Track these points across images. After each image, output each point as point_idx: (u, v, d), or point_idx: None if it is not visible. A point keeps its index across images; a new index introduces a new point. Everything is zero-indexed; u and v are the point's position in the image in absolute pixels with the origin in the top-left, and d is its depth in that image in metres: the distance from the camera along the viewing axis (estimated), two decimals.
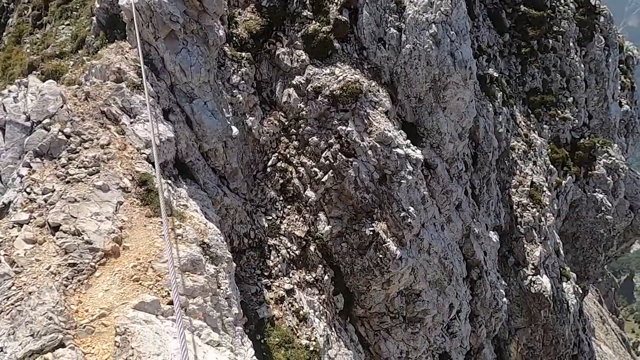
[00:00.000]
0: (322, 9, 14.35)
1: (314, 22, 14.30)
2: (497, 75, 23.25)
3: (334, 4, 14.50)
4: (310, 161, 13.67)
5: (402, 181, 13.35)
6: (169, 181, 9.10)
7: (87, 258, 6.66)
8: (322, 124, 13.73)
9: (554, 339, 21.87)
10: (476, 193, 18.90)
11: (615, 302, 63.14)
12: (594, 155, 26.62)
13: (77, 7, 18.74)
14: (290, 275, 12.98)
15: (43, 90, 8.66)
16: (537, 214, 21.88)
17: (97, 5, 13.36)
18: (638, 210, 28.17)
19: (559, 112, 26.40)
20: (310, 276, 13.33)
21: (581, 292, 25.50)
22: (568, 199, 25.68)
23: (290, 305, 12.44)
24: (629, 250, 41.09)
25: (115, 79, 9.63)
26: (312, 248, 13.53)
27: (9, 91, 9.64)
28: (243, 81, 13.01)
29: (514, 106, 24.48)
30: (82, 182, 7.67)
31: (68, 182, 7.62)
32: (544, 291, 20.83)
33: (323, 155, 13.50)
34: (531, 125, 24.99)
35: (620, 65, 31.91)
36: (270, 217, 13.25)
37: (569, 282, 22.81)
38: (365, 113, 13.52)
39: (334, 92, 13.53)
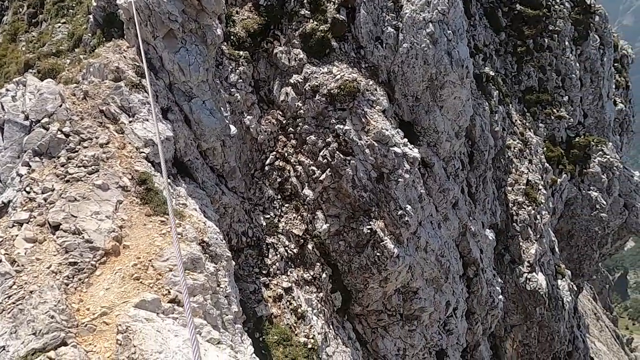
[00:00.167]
0: (319, 7, 14.38)
1: (311, 20, 14.33)
2: (493, 74, 23.36)
3: (332, 2, 14.53)
4: (308, 160, 13.72)
5: (400, 180, 13.43)
6: (168, 179, 9.11)
7: (88, 257, 6.68)
8: (319, 122, 13.77)
9: (549, 336, 22.08)
10: (472, 191, 19.02)
11: (610, 299, 63.68)
12: (588, 154, 26.84)
13: (73, 5, 18.67)
14: (289, 273, 13.04)
15: (42, 89, 8.65)
16: (533, 212, 22.05)
17: (94, 4, 13.34)
18: (632, 208, 28.44)
19: (554, 110, 26.59)
20: (308, 274, 13.40)
21: (576, 289, 25.74)
22: (563, 197, 25.89)
23: (288, 303, 12.50)
24: (623, 248, 41.46)
25: (114, 78, 9.64)
26: (310, 246, 13.59)
27: (7, 90, 9.62)
28: (241, 80, 13.04)
29: (510, 105, 24.63)
30: (82, 181, 7.68)
31: (67, 181, 7.63)
32: (539, 288, 21.01)
33: (321, 154, 13.55)
34: (527, 124, 25.15)
35: (615, 64, 32.16)
36: (269, 216, 13.30)
37: (564, 279, 23.02)
38: (363, 112, 13.58)
39: (332, 91, 13.58)
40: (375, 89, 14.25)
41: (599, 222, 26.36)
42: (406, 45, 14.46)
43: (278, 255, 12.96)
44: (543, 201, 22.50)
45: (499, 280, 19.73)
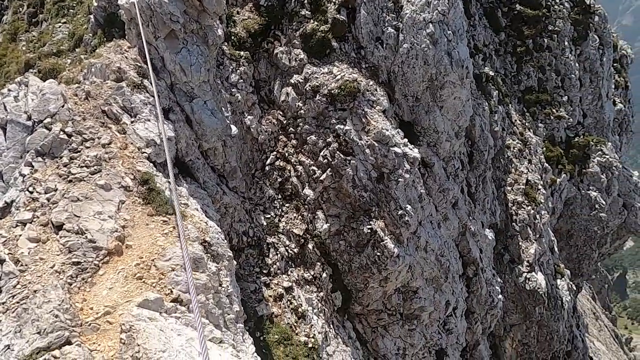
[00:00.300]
0: (320, 8, 14.42)
1: (312, 21, 14.37)
2: (492, 74, 23.42)
3: (332, 3, 14.57)
4: (309, 160, 13.76)
5: (400, 180, 13.48)
6: (170, 180, 9.15)
7: (91, 257, 6.73)
8: (320, 122, 13.82)
9: (548, 335, 22.16)
10: (472, 191, 19.09)
11: (609, 298, 63.82)
12: (588, 154, 26.92)
13: (74, 5, 18.69)
14: (289, 273, 13.09)
15: (44, 89, 8.69)
16: (532, 211, 22.11)
17: (95, 4, 13.37)
18: (631, 208, 28.53)
19: (553, 110, 26.67)
20: (308, 274, 13.45)
21: (575, 289, 25.82)
22: (562, 197, 25.97)
23: (289, 302, 12.55)
24: (622, 248, 41.57)
25: (116, 79, 9.67)
26: (310, 246, 13.64)
27: (9, 90, 9.65)
28: (242, 80, 13.08)
29: (510, 105, 24.69)
30: (84, 181, 7.72)
31: (70, 181, 7.67)
32: (538, 288, 21.08)
33: (321, 154, 13.60)
34: (526, 124, 25.22)
35: (615, 64, 32.24)
36: (269, 216, 13.35)
37: (563, 279, 23.10)
38: (363, 112, 13.63)
39: (332, 91, 13.62)
40: (376, 89, 14.30)
41: (598, 222, 26.45)
42: (406, 46, 14.50)
43: (279, 255, 13.01)
44: (542, 201, 22.57)
45: (499, 279, 19.80)
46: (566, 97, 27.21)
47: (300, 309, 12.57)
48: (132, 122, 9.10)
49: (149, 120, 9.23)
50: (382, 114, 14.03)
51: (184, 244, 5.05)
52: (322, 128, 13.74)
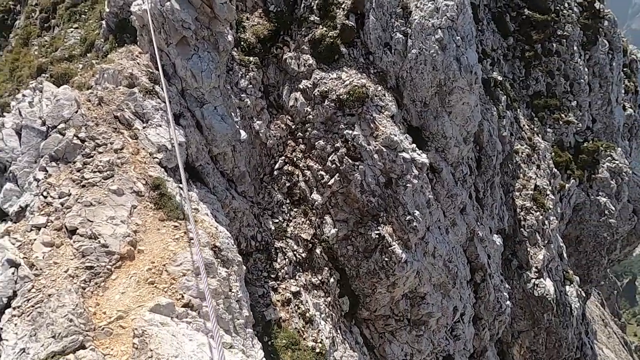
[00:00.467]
0: (329, 14, 14.51)
1: (321, 27, 14.45)
2: (501, 78, 23.36)
3: (341, 9, 14.65)
4: (317, 165, 13.81)
5: (408, 185, 13.48)
6: (180, 185, 9.24)
7: (104, 261, 6.81)
8: (328, 127, 13.87)
9: (556, 342, 21.95)
10: (480, 196, 19.02)
11: (618, 305, 63.06)
12: (597, 159, 26.71)
13: (86, 10, 18.94)
14: (297, 277, 13.12)
15: (58, 95, 8.83)
16: (541, 217, 21.98)
17: (107, 10, 13.54)
18: None
19: (562, 115, 26.51)
20: (316, 279, 13.47)
21: (584, 295, 25.58)
22: (571, 203, 25.77)
23: (296, 307, 12.58)
24: (631, 254, 41.13)
25: (128, 84, 9.80)
26: (318, 251, 13.67)
27: (24, 96, 9.82)
28: (251, 85, 13.18)
29: (518, 109, 24.60)
30: (97, 186, 7.83)
31: (83, 186, 7.78)
32: (547, 294, 20.92)
33: (329, 158, 13.64)
34: (535, 129, 25.10)
35: (624, 69, 32.00)
36: (277, 220, 13.40)
37: (572, 285, 22.90)
38: (372, 117, 13.67)
39: (341, 97, 13.68)
40: (384, 95, 14.34)
41: (608, 228, 26.20)
42: (415, 51, 14.53)
43: (287, 260, 13.05)
44: (551, 206, 22.43)
45: (507, 285, 19.68)
46: (575, 102, 27.05)
47: (307, 314, 12.59)
48: (143, 127, 9.21)
49: (160, 126, 9.33)
50: (391, 119, 14.05)
51: (198, 250, 5.11)
52: (330, 133, 13.79)
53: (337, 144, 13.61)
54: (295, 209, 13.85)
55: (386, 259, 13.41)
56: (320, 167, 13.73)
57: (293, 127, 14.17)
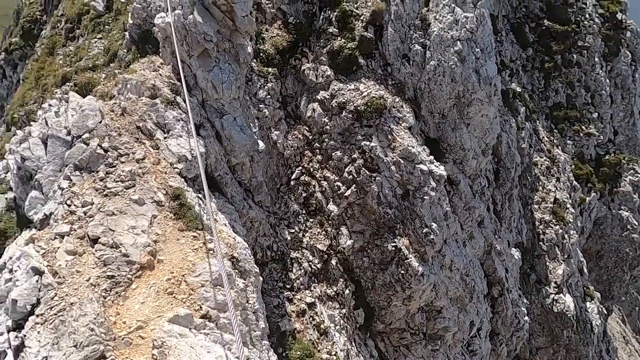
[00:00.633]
0: (347, 25, 14.59)
1: (339, 38, 14.53)
2: (520, 90, 23.12)
3: (360, 20, 14.72)
4: (334, 175, 13.81)
5: (425, 197, 13.37)
6: (199, 195, 9.34)
7: (124, 270, 6.90)
8: (345, 139, 13.88)
9: None
10: (498, 209, 18.75)
11: (639, 322, 61.12)
12: (619, 172, 26.12)
13: (109, 21, 19.41)
14: (312, 288, 13.07)
15: (83, 105, 9.03)
16: (560, 231, 21.54)
17: (131, 21, 13.85)
18: None
19: (583, 127, 26.06)
20: (331, 290, 13.40)
21: (605, 312, 24.88)
22: (592, 217, 25.20)
23: (311, 318, 12.51)
24: None
25: (150, 95, 9.98)
26: (333, 262, 13.61)
27: (50, 105, 10.07)
28: (269, 96, 13.29)
29: (537, 121, 24.27)
30: (119, 195, 7.95)
31: (106, 195, 7.92)
32: (567, 310, 20.42)
33: (346, 169, 13.63)
34: (554, 141, 24.70)
35: None
36: (293, 230, 13.41)
37: (593, 301, 22.31)
38: (389, 129, 13.64)
39: (358, 108, 13.70)
40: (402, 106, 14.31)
41: (630, 243, 25.52)
42: (433, 63, 14.50)
43: (302, 270, 13.02)
44: (571, 220, 21.97)
45: (525, 301, 19.27)
46: (596, 113, 26.57)
47: (322, 326, 12.51)
48: (165, 137, 9.35)
49: (181, 136, 9.46)
50: (408, 131, 14.00)
51: (221, 262, 5.13)
52: (347, 144, 13.80)
53: (354, 155, 13.60)
54: (311, 220, 13.84)
55: (402, 272, 13.28)
56: (336, 178, 13.73)
57: (310, 137, 14.22)
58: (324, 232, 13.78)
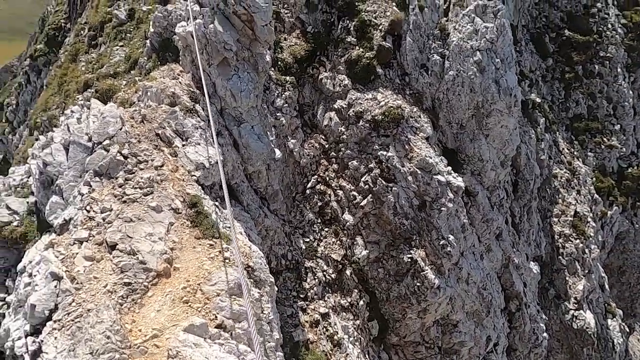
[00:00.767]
0: (366, 35, 14.57)
1: (357, 47, 14.52)
2: (539, 100, 22.79)
3: (378, 30, 14.70)
4: (349, 185, 13.72)
5: (443, 209, 13.18)
6: (216, 203, 9.35)
7: (141, 278, 6.90)
8: (362, 148, 13.80)
9: None
10: (516, 221, 18.39)
11: None
12: None
13: (131, 29, 19.77)
14: (326, 298, 12.94)
15: (104, 112, 9.15)
16: (581, 245, 21.02)
17: (152, 30, 14.05)
18: None
19: (604, 139, 25.52)
20: (345, 300, 13.25)
21: (627, 329, 24.10)
22: (614, 231, 24.55)
23: (325, 329, 12.37)
24: None
25: (170, 103, 10.07)
26: (348, 272, 13.47)
27: (72, 112, 10.25)
28: (286, 104, 13.32)
29: (557, 132, 23.86)
30: (137, 202, 7.99)
31: (125, 201, 7.97)
32: (587, 327, 19.84)
33: (362, 179, 13.53)
34: (575, 153, 24.22)
35: None
36: (308, 239, 13.33)
37: (614, 319, 21.63)
38: (407, 139, 13.52)
39: (376, 117, 13.62)
40: (420, 116, 14.18)
41: None
42: (452, 73, 14.36)
43: (316, 280, 12.91)
44: (592, 234, 21.43)
45: (543, 316, 18.79)
46: (618, 125, 26.00)
47: (336, 337, 12.36)
48: (183, 145, 9.40)
49: (199, 144, 9.51)
50: (426, 141, 13.86)
51: (241, 272, 5.08)
52: (364, 154, 13.71)
53: (370, 164, 13.50)
54: (326, 229, 13.75)
55: (418, 284, 13.06)
56: (352, 188, 13.64)
57: (327, 146, 14.18)
58: (339, 242, 13.66)
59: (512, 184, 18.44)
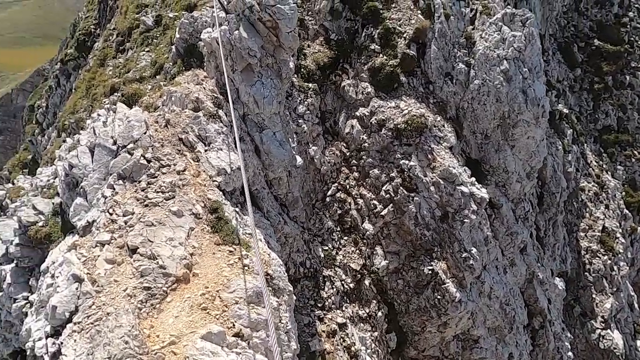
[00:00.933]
0: (390, 42, 14.45)
1: (381, 55, 14.41)
2: (567, 111, 22.18)
3: (402, 38, 14.56)
4: (370, 193, 13.55)
5: (465, 220, 12.86)
6: (236, 209, 9.31)
7: (160, 282, 6.88)
8: (384, 156, 13.63)
9: None
10: (541, 235, 17.83)
11: None
12: None
13: (157, 35, 20.14)
14: (344, 308, 12.74)
15: (129, 116, 9.26)
16: (609, 262, 20.24)
17: (178, 36, 14.25)
18: None
19: (635, 152, 24.65)
20: (363, 311, 13.02)
21: None
22: None
23: (342, 340, 12.17)
24: None
25: (193, 108, 10.12)
26: (366, 282, 13.26)
27: (98, 115, 10.42)
28: (308, 111, 13.27)
29: (585, 144, 23.16)
30: (159, 206, 8.01)
31: (146, 205, 8.00)
32: (614, 348, 19.02)
33: (384, 188, 13.34)
34: (604, 166, 23.44)
35: None
36: (327, 248, 13.18)
37: None
38: (430, 148, 13.28)
39: (398, 126, 13.44)
40: (443, 125, 13.94)
41: None
42: (477, 82, 14.09)
43: (334, 289, 12.74)
44: (621, 251, 20.63)
45: (568, 334, 18.10)
46: None
47: (353, 348, 12.14)
48: (205, 150, 9.42)
49: (221, 150, 9.51)
50: (449, 151, 13.59)
51: (262, 280, 4.98)
52: (385, 162, 13.53)
53: (392, 173, 13.31)
54: (345, 237, 13.59)
55: (438, 297, 12.74)
56: (373, 196, 13.45)
57: (348, 154, 14.06)
58: (358, 251, 13.48)
59: (538, 197, 17.92)
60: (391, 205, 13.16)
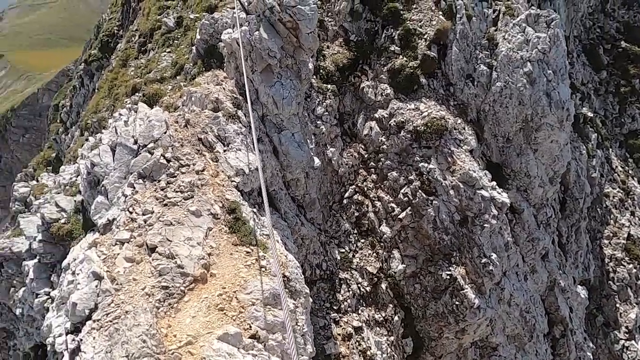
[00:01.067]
0: (410, 44, 14.29)
1: (401, 57, 14.26)
2: (591, 115, 21.60)
3: (423, 39, 14.38)
4: (388, 196, 13.40)
5: (485, 225, 12.60)
6: (254, 209, 9.31)
7: (178, 282, 6.91)
8: (402, 159, 13.47)
9: None
10: (563, 242, 17.37)
11: None
12: None
13: (179, 36, 20.38)
14: (360, 312, 12.62)
15: (150, 116, 9.35)
16: (634, 270, 19.60)
17: (198, 37, 14.37)
18: None
19: None
20: (379, 315, 12.88)
21: None
22: None
23: (357, 343, 12.05)
24: None
25: (213, 108, 10.18)
26: (383, 286, 13.11)
27: (120, 114, 10.56)
28: (327, 113, 13.21)
29: (610, 149, 22.50)
30: (178, 206, 8.06)
31: (166, 204, 8.05)
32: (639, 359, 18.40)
33: (402, 191, 13.18)
34: (629, 171, 22.74)
35: None
36: (343, 250, 13.09)
37: None
38: (449, 151, 13.07)
39: (418, 128, 13.27)
40: (464, 128, 13.70)
41: None
42: (500, 84, 13.81)
43: (350, 292, 12.64)
44: None
45: (591, 344, 17.57)
46: None
47: (368, 352, 12.01)
48: (224, 150, 9.45)
49: (239, 150, 9.53)
50: (469, 154, 13.35)
51: (280, 282, 4.94)
52: (404, 165, 13.37)
53: (410, 176, 13.14)
54: (362, 240, 13.47)
55: (457, 303, 12.51)
56: (391, 199, 13.31)
57: (366, 156, 13.95)
58: (374, 254, 13.34)
59: (560, 202, 17.47)
60: (409, 208, 12.99)
